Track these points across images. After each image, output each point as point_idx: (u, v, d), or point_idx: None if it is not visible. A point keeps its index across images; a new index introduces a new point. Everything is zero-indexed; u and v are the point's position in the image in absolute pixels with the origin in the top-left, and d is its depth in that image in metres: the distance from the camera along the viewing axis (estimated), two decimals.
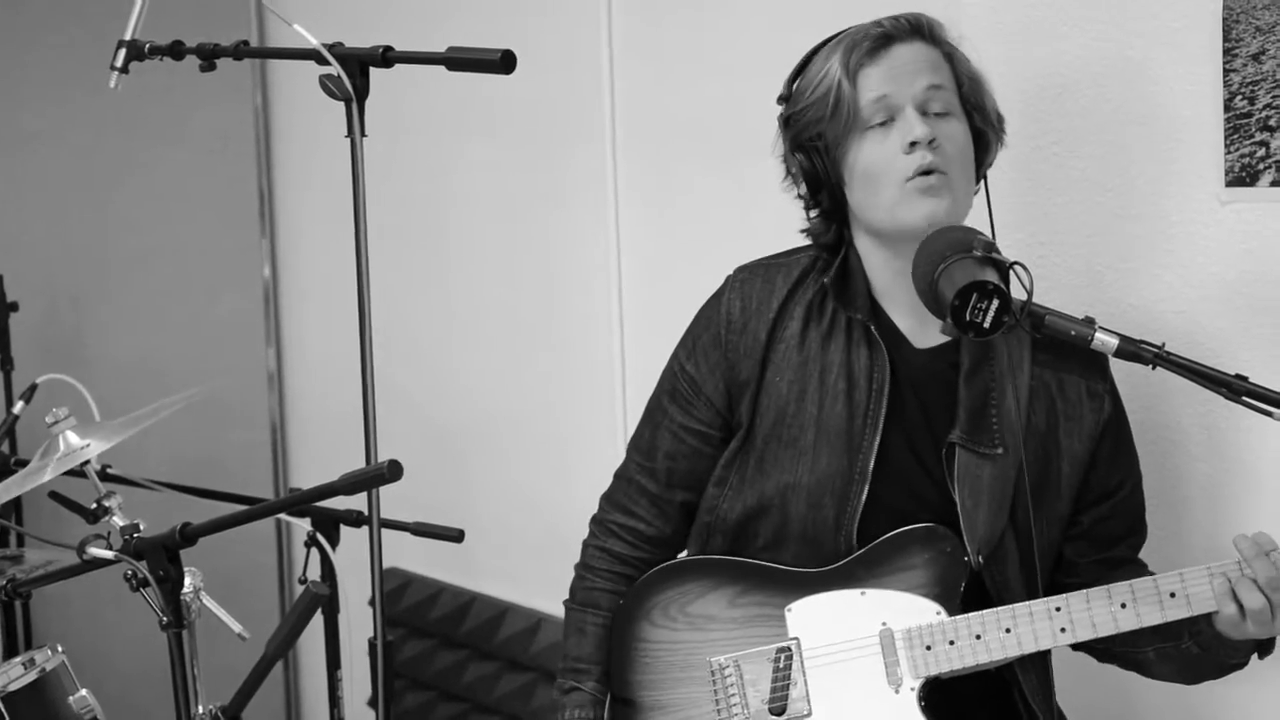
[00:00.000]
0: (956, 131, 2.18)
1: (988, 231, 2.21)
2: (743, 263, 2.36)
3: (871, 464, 2.21)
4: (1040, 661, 2.27)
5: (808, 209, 2.30)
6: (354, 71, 2.23)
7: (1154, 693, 2.50)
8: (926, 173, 2.13)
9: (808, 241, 2.33)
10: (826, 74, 2.19)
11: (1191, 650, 2.15)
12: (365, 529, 2.44)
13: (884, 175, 2.16)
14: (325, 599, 2.82)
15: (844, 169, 2.20)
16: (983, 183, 2.28)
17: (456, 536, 3.08)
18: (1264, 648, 2.14)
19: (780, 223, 2.39)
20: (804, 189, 2.26)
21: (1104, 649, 2.27)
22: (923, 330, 2.24)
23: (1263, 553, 2.03)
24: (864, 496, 2.21)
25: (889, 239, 2.22)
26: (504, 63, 2.17)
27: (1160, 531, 2.42)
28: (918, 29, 2.19)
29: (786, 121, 2.25)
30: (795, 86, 2.24)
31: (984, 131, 2.24)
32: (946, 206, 2.14)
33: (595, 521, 2.43)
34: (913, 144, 2.13)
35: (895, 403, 2.23)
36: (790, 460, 2.25)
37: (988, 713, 2.25)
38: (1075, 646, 2.30)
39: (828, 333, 2.26)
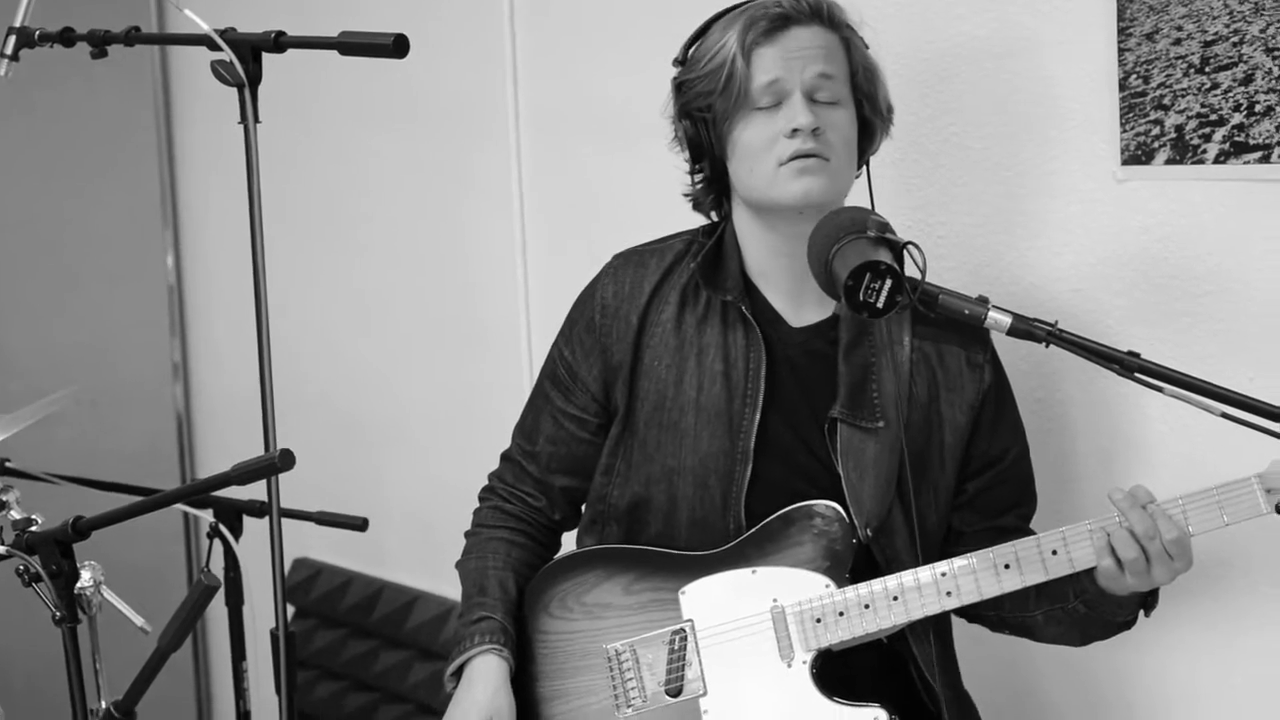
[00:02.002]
0: (841, 120, 2.19)
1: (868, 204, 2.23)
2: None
3: (752, 443, 2.23)
4: (936, 633, 2.28)
5: (691, 174, 2.31)
6: (246, 57, 2.20)
7: (1046, 663, 2.53)
8: (804, 156, 2.15)
9: (690, 206, 2.34)
10: (722, 47, 2.19)
11: (1078, 610, 2.17)
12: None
13: (763, 154, 2.17)
14: (222, 589, 2.79)
15: (728, 143, 2.21)
16: (865, 169, 2.29)
17: (360, 525, 3.06)
18: (1149, 605, 2.17)
19: (683, 209, 2.39)
20: (687, 154, 2.28)
21: (995, 617, 2.30)
22: (799, 309, 2.27)
23: (1138, 505, 2.05)
24: (748, 476, 2.23)
25: (765, 215, 2.24)
26: (396, 47, 2.14)
27: (1054, 506, 2.44)
28: (817, 12, 2.19)
29: (679, 87, 2.26)
30: (691, 53, 2.25)
31: (871, 120, 2.25)
32: (822, 184, 2.15)
33: (486, 490, 2.47)
34: (795, 130, 2.14)
35: (773, 382, 2.25)
36: (673, 444, 2.27)
37: (886, 686, 2.25)
38: (970, 619, 2.32)
39: (703, 316, 2.28)
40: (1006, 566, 2.11)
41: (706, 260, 2.29)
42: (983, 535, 2.26)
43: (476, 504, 2.48)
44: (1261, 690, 2.38)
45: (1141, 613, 2.18)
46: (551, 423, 2.38)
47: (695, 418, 2.26)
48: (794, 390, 2.26)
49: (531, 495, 2.42)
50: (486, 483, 2.48)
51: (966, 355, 2.27)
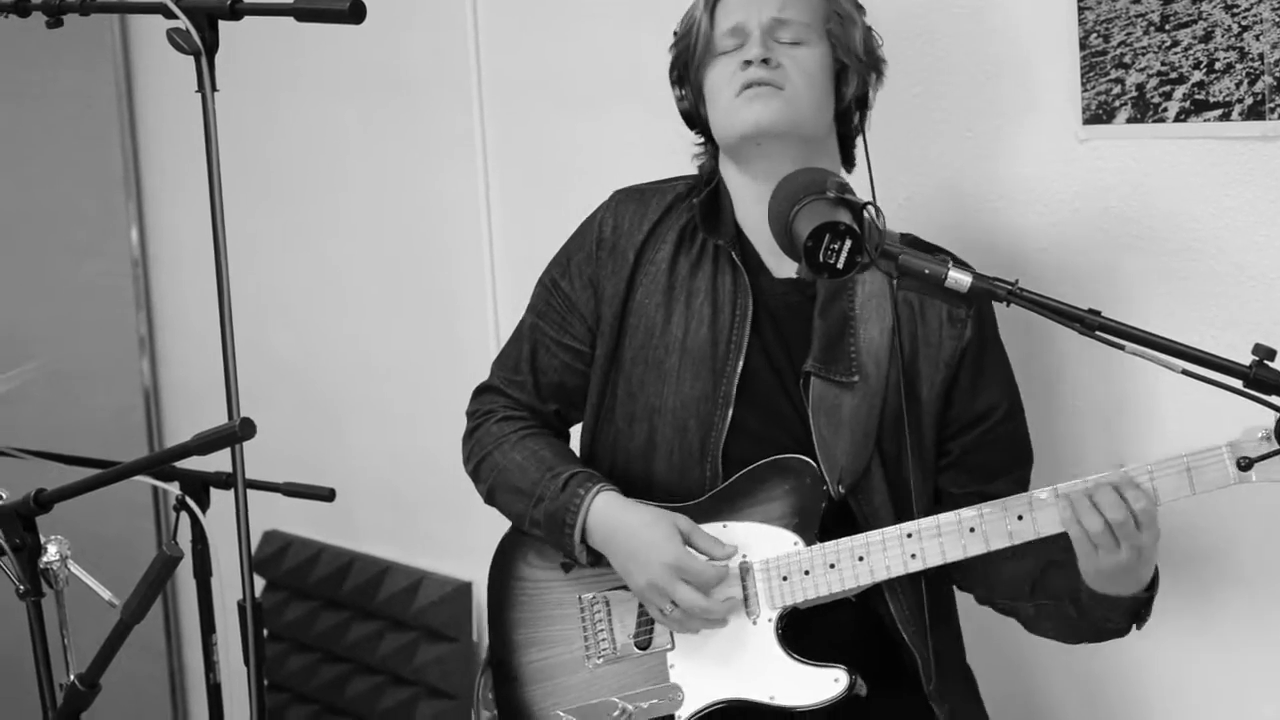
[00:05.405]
0: (803, 55, 2.20)
1: (867, 180, 2.22)
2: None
3: (735, 388, 2.22)
4: (912, 590, 2.24)
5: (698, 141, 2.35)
6: (202, 24, 2.18)
7: (1047, 654, 2.52)
8: (756, 85, 2.16)
9: (693, 171, 2.35)
10: (694, 11, 2.24)
11: (1070, 612, 2.13)
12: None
13: (722, 90, 2.21)
14: (184, 561, 2.78)
15: (704, 93, 2.25)
16: (863, 140, 2.28)
17: (327, 495, 3.05)
18: (1141, 617, 2.11)
19: (647, 169, 2.39)
20: (685, 123, 2.32)
21: (986, 598, 2.28)
22: (780, 261, 2.25)
23: (1108, 483, 2.00)
24: (728, 421, 2.22)
25: (739, 160, 2.25)
26: (353, 12, 2.12)
27: (1053, 456, 2.43)
28: None
29: (671, 61, 2.31)
30: (680, 27, 2.29)
31: (845, 64, 2.23)
32: (773, 111, 2.16)
33: (480, 414, 2.41)
34: (746, 62, 2.17)
35: (757, 329, 2.24)
36: (655, 383, 2.26)
37: (862, 644, 2.24)
38: (961, 588, 2.30)
39: (697, 260, 2.28)
40: (971, 530, 2.09)
41: (706, 203, 2.30)
42: (973, 499, 2.20)
43: (449, 476, 2.47)
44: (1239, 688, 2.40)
45: (1135, 626, 2.13)
46: (545, 353, 2.36)
47: (680, 359, 2.25)
48: (775, 341, 2.25)
49: (530, 415, 2.39)
50: (472, 414, 2.43)
51: (948, 310, 2.24)
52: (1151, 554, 2.03)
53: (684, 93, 2.30)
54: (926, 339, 2.24)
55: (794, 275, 2.25)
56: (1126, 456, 2.40)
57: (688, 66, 2.26)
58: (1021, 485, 2.28)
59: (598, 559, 2.23)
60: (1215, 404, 1.89)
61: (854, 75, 2.24)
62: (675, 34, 2.30)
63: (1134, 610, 2.10)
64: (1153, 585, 2.09)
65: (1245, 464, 1.92)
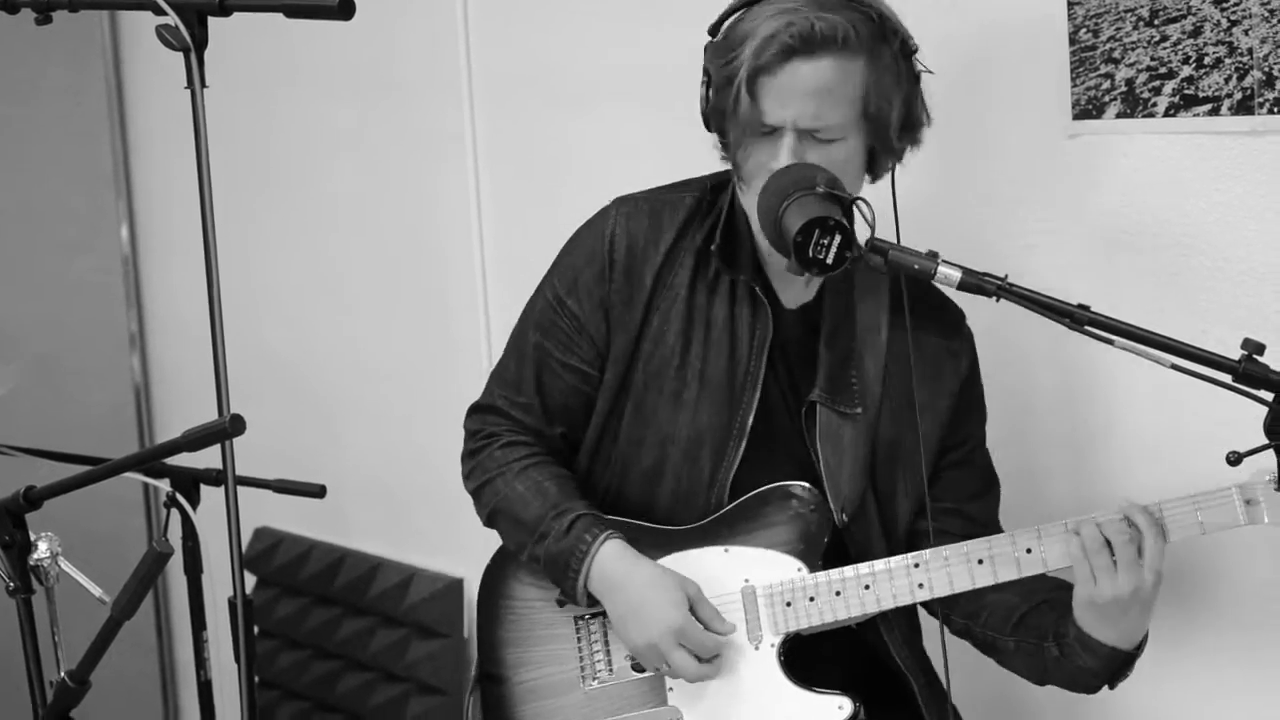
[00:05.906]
0: (836, 156, 2.07)
1: (893, 225, 2.15)
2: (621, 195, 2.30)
3: (750, 420, 2.21)
4: (904, 616, 2.26)
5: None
6: (191, 20, 2.18)
7: None
8: None
9: (686, 172, 2.29)
10: (736, 59, 2.06)
11: (1051, 652, 2.13)
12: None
13: (755, 181, 2.09)
14: (175, 557, 2.78)
15: (737, 153, 2.12)
16: (892, 190, 2.18)
17: (318, 492, 3.05)
18: (1115, 677, 2.12)
19: (639, 166, 2.38)
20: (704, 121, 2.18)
21: (964, 628, 2.27)
22: (790, 291, 2.24)
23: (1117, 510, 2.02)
24: (741, 453, 2.21)
25: None
26: (342, 9, 2.13)
27: (1020, 480, 2.43)
28: (829, 40, 2.03)
29: (707, 65, 2.14)
30: (723, 33, 2.12)
31: (875, 148, 2.12)
32: None
33: (482, 437, 2.34)
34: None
35: (770, 361, 2.22)
36: (669, 411, 2.23)
37: (858, 672, 2.24)
38: (931, 612, 2.27)
39: (713, 286, 2.23)
40: (980, 562, 2.09)
41: (724, 237, 2.22)
42: (951, 515, 2.24)
43: (441, 473, 2.44)
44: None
45: (1108, 685, 2.13)
46: (551, 375, 2.29)
47: (698, 389, 2.21)
48: (784, 371, 2.23)
49: (534, 439, 2.32)
50: (474, 433, 2.35)
51: (946, 344, 2.24)
52: (1149, 600, 2.03)
53: (711, 98, 2.12)
54: (928, 373, 2.22)
55: (801, 305, 2.24)
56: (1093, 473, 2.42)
57: (724, 113, 2.09)
58: (991, 511, 2.30)
59: (594, 602, 2.20)
60: (1193, 396, 1.90)
61: (884, 158, 2.14)
62: (718, 35, 2.12)
63: (1114, 666, 2.09)
64: (1140, 646, 2.09)
65: (1235, 459, 1.92)
